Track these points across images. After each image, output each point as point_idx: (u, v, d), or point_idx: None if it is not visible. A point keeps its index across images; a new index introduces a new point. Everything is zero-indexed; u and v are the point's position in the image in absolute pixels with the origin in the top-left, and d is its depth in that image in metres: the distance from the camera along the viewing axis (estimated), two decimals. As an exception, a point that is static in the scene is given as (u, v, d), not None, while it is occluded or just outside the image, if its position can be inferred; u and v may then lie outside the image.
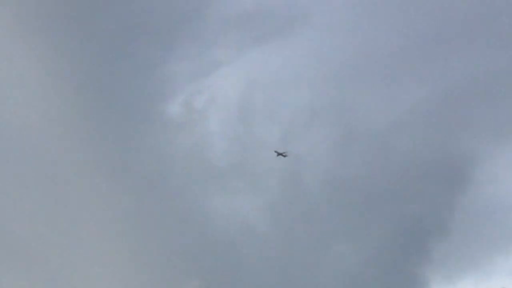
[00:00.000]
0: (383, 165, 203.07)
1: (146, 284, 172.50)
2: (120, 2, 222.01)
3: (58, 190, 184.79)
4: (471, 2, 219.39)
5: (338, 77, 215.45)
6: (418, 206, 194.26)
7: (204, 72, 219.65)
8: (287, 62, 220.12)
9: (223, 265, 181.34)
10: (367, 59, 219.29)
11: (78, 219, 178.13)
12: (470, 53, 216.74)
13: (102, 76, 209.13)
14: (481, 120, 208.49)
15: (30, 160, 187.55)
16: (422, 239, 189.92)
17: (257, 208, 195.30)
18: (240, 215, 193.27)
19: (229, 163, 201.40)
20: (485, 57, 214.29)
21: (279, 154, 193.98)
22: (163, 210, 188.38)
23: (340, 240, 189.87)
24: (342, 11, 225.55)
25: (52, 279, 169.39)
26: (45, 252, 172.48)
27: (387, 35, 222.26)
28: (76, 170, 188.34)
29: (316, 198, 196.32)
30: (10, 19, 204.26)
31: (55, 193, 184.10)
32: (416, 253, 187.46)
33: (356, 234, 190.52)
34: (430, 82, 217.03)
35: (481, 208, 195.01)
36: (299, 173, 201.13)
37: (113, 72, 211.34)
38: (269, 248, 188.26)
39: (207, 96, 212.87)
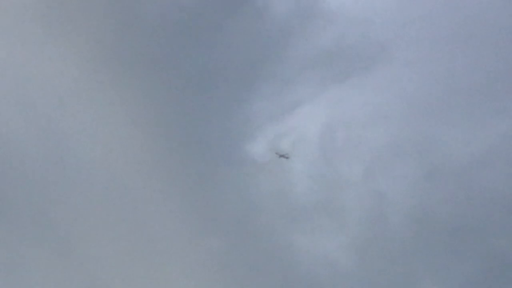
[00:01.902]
0: (467, 200, 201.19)
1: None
2: (200, 43, 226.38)
3: (141, 232, 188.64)
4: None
5: (419, 113, 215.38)
6: (504, 242, 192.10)
7: (285, 111, 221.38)
8: (368, 99, 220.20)
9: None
10: (448, 94, 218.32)
11: (164, 262, 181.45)
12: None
13: (183, 116, 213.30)
14: None
15: (110, 199, 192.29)
16: (510, 275, 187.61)
17: (341, 246, 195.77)
18: (324, 253, 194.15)
19: (313, 202, 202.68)
20: None
21: (280, 156, 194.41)
22: (248, 249, 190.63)
23: (425, 278, 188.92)
24: (422, 46, 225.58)
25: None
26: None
27: (469, 69, 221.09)
28: (159, 212, 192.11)
29: (400, 235, 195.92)
30: (77, 58, 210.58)
31: (137, 235, 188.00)
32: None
33: (441, 271, 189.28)
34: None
35: None
36: (383, 210, 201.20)
37: (193, 113, 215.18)
38: (353, 285, 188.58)
39: (288, 135, 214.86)
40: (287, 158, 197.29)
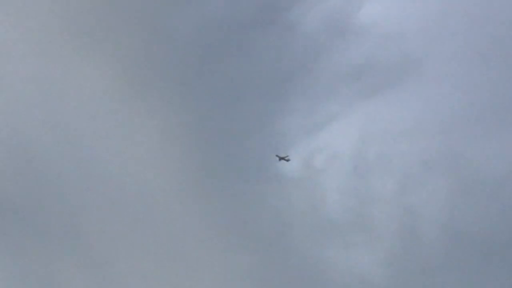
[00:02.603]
0: (500, 215, 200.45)
1: None
2: (231, 58, 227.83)
3: (172, 248, 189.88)
4: None
5: (452, 127, 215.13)
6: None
7: (317, 126, 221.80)
8: (400, 114, 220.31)
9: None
10: (480, 108, 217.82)
11: (196, 278, 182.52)
12: None
13: (215, 132, 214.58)
14: None
15: (141, 214, 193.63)
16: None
17: (374, 262, 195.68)
18: (357, 269, 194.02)
19: (345, 217, 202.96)
20: None
21: (281, 158, 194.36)
22: (280, 265, 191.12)
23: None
24: (453, 61, 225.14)
25: None
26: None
27: (501, 83, 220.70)
28: (190, 228, 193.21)
29: (433, 250, 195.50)
30: (107, 73, 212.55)
31: (167, 250, 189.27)
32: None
33: (474, 287, 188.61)
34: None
35: None
36: (415, 225, 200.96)
37: (225, 129, 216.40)
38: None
39: (321, 151, 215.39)
40: (287, 160, 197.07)
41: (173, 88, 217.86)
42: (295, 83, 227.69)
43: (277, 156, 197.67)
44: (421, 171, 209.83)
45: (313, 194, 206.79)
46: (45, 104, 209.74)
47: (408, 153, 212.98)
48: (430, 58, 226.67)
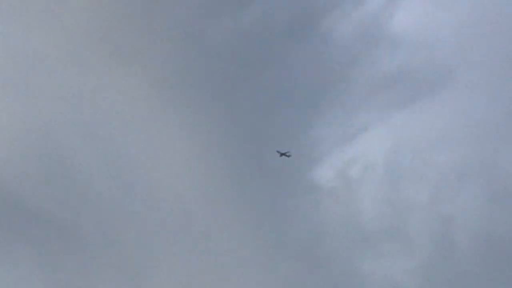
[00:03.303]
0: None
1: None
2: (265, 70, 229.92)
3: (210, 259, 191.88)
4: None
5: (485, 136, 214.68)
6: None
7: (350, 136, 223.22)
8: (433, 123, 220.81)
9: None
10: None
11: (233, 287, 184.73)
12: None
13: (251, 143, 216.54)
14: None
15: (179, 227, 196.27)
16: None
17: (409, 270, 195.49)
18: (392, 278, 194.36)
19: (380, 226, 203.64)
20: None
21: (282, 154, 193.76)
22: (316, 274, 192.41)
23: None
24: (486, 70, 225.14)
25: None
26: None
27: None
28: (228, 239, 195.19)
29: (468, 258, 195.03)
30: (145, 86, 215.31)
31: (206, 261, 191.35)
32: None
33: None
34: None
35: None
36: (450, 233, 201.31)
37: (260, 139, 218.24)
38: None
39: (355, 161, 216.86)
40: (288, 156, 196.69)
41: (209, 99, 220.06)
42: (329, 93, 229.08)
43: (278, 152, 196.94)
44: (454, 179, 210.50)
45: (347, 203, 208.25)
46: (80, 114, 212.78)
47: (441, 161, 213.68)
48: (463, 67, 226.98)
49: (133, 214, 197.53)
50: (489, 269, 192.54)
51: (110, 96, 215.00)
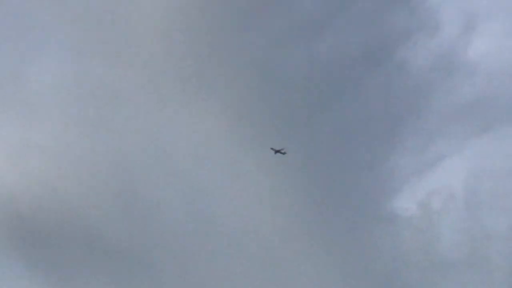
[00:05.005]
0: None
1: None
2: (341, 99, 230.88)
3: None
4: None
5: None
6: None
7: (428, 165, 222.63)
8: (511, 149, 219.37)
9: None
10: None
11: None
12: None
13: (327, 173, 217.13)
14: None
15: (249, 255, 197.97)
16: None
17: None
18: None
19: (459, 256, 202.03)
20: None
21: (276, 151, 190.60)
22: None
23: None
24: None
25: None
26: None
27: None
28: (302, 269, 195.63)
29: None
30: (215, 116, 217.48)
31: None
32: None
33: None
34: None
35: None
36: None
37: (337, 169, 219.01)
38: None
39: (433, 190, 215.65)
40: (283, 153, 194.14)
41: (284, 130, 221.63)
42: (406, 121, 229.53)
43: (272, 149, 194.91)
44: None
45: (426, 232, 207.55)
46: (157, 148, 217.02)
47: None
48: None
49: (210, 249, 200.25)
50: None
51: (187, 129, 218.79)
